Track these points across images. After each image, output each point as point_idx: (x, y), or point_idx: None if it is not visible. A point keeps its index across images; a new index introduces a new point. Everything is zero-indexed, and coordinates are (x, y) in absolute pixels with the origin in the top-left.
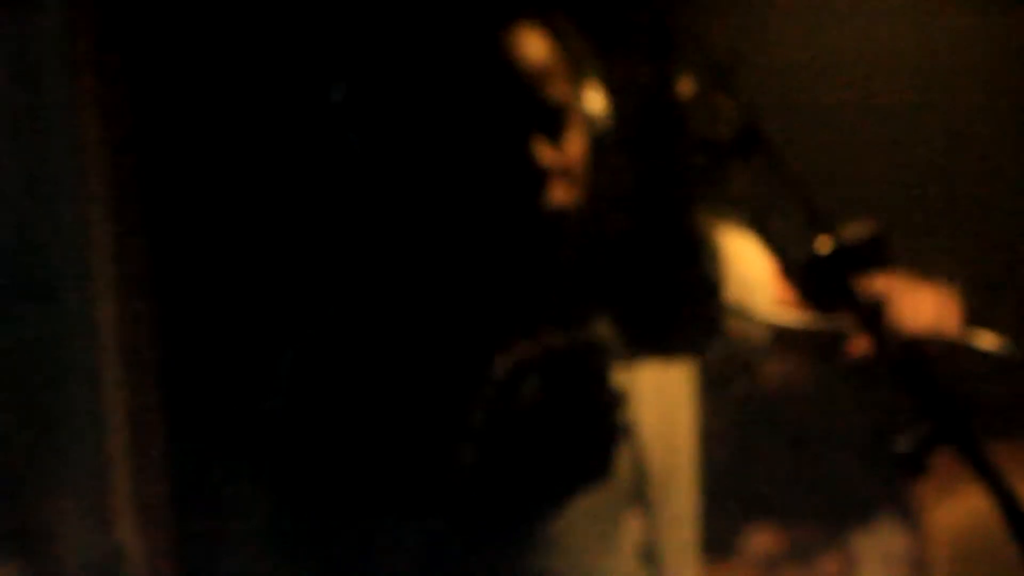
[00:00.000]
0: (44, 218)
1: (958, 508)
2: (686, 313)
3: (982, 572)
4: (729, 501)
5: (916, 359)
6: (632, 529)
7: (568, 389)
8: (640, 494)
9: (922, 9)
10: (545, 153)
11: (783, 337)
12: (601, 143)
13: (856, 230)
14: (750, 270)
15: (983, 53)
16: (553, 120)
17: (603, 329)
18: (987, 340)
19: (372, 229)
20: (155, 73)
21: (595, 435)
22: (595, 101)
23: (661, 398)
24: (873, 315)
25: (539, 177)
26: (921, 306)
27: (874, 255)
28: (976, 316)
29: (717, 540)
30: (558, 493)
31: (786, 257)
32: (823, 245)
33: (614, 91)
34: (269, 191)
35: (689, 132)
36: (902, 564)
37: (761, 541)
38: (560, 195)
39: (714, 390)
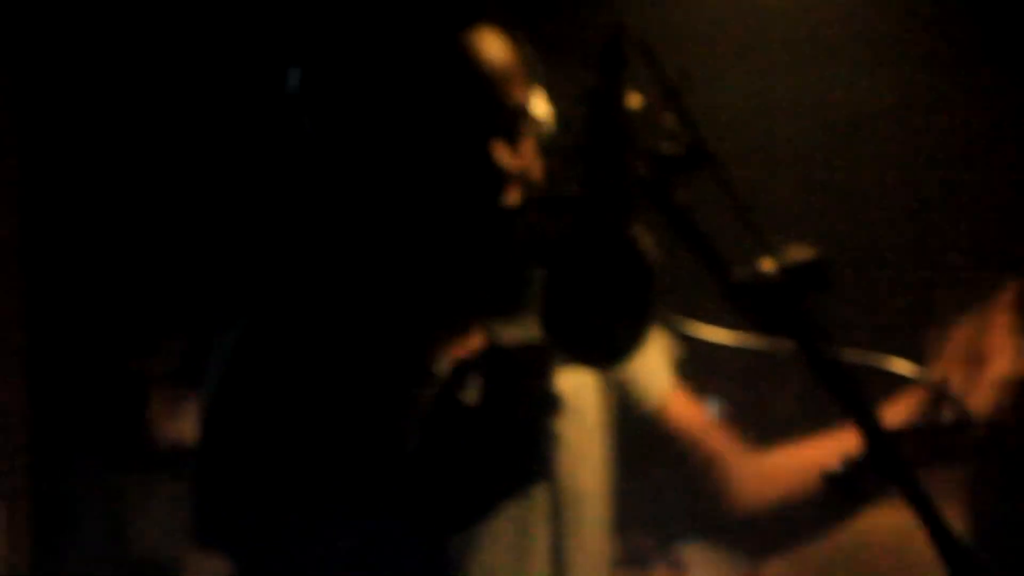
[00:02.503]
0: None
1: None
2: (617, 322)
3: None
4: None
5: (853, 384)
6: (542, 541)
7: (511, 388)
8: (553, 506)
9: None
10: (504, 156)
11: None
12: (547, 148)
13: (798, 252)
14: None
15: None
16: (511, 123)
17: (536, 331)
18: (903, 367)
19: (325, 217)
20: (43, 70)
21: (534, 437)
22: (541, 107)
23: (575, 409)
24: (813, 338)
25: (498, 179)
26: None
27: (816, 278)
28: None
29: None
30: (494, 494)
31: (727, 276)
32: (767, 265)
33: (566, 98)
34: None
35: (635, 144)
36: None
37: None
38: (515, 197)
39: None
